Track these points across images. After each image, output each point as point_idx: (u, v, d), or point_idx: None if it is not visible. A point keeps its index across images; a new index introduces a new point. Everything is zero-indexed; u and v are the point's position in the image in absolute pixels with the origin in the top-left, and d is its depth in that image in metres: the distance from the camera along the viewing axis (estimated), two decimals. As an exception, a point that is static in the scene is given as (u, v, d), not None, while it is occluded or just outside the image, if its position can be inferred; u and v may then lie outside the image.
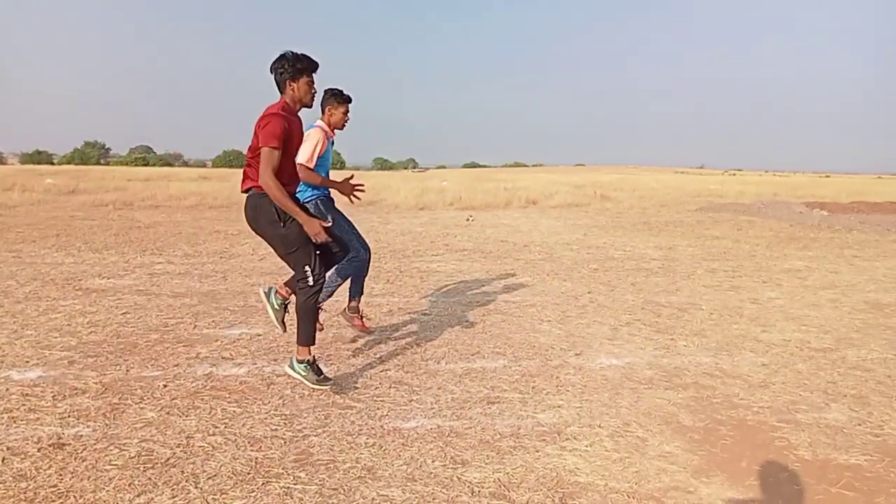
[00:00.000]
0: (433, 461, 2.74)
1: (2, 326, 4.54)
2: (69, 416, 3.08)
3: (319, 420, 3.14)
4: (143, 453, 2.73)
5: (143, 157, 63.01)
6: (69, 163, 60.19)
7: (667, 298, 5.99)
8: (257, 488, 2.48)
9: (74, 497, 2.38)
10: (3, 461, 2.62)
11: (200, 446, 2.81)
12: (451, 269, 7.36)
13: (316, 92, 3.43)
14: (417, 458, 2.76)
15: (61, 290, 5.79)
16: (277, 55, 3.30)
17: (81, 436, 2.88)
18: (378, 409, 3.29)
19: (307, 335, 3.40)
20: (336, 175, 4.64)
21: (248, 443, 2.87)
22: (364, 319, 4.55)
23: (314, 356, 3.46)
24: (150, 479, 2.52)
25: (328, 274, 3.79)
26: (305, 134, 3.81)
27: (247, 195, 3.37)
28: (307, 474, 2.60)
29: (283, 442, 2.89)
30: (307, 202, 4.04)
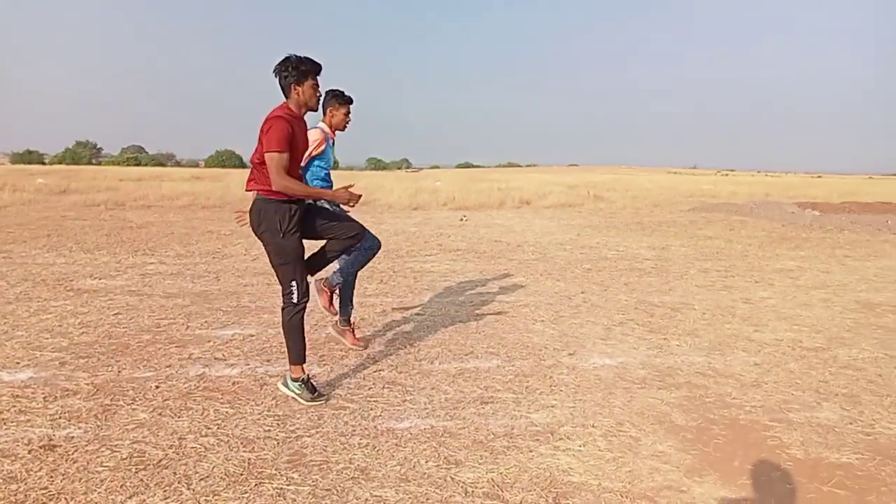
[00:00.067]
0: (427, 461, 2.74)
1: (-8, 327, 4.51)
2: (60, 418, 3.06)
3: (312, 421, 3.13)
4: (135, 455, 2.71)
5: (135, 156, 62.71)
6: (60, 162, 59.85)
7: (660, 298, 6.01)
8: (250, 489, 2.47)
9: (65, 499, 2.36)
10: (-8, 463, 2.60)
11: (193, 447, 2.80)
12: (444, 269, 7.37)
13: (321, 95, 3.40)
14: (411, 459, 2.76)
15: (52, 290, 5.75)
16: (280, 59, 3.23)
17: (73, 437, 2.86)
18: (371, 409, 3.29)
19: (297, 353, 3.36)
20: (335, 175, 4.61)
21: (241, 444, 2.85)
22: (357, 333, 4.46)
23: (308, 374, 3.43)
24: (142, 480, 2.51)
25: (344, 257, 3.79)
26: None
27: (254, 198, 3.33)
28: (300, 475, 2.60)
29: (275, 443, 2.88)
30: (309, 204, 4.00)
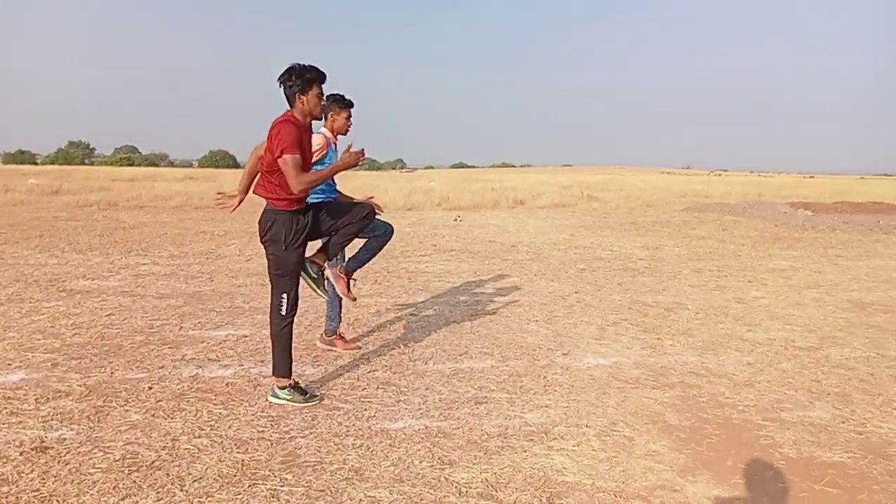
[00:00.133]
0: (421, 462, 2.74)
1: (-17, 329, 4.48)
2: (52, 419, 3.04)
3: (306, 421, 3.12)
4: (128, 456, 2.70)
5: (128, 157, 62.37)
6: (53, 163, 59.43)
7: (653, 298, 6.03)
8: (243, 490, 2.47)
9: (58, 501, 2.34)
10: (-16, 465, 2.58)
11: (186, 449, 2.79)
12: (438, 269, 7.37)
13: (326, 103, 3.39)
14: (405, 459, 2.76)
15: (45, 291, 5.71)
16: (285, 68, 3.20)
17: (65, 439, 2.84)
18: (365, 410, 3.29)
19: (284, 365, 3.34)
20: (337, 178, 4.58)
21: (235, 445, 2.85)
22: (349, 334, 4.45)
23: (295, 380, 3.41)
24: (134, 482, 2.50)
25: (360, 244, 3.85)
26: None
27: (264, 205, 3.32)
28: (294, 476, 2.59)
29: (269, 444, 2.87)
30: (317, 203, 3.99)
